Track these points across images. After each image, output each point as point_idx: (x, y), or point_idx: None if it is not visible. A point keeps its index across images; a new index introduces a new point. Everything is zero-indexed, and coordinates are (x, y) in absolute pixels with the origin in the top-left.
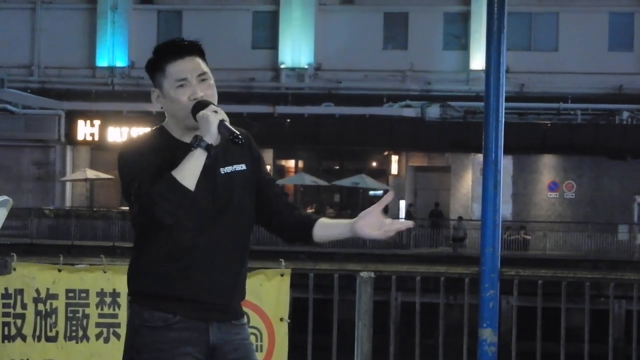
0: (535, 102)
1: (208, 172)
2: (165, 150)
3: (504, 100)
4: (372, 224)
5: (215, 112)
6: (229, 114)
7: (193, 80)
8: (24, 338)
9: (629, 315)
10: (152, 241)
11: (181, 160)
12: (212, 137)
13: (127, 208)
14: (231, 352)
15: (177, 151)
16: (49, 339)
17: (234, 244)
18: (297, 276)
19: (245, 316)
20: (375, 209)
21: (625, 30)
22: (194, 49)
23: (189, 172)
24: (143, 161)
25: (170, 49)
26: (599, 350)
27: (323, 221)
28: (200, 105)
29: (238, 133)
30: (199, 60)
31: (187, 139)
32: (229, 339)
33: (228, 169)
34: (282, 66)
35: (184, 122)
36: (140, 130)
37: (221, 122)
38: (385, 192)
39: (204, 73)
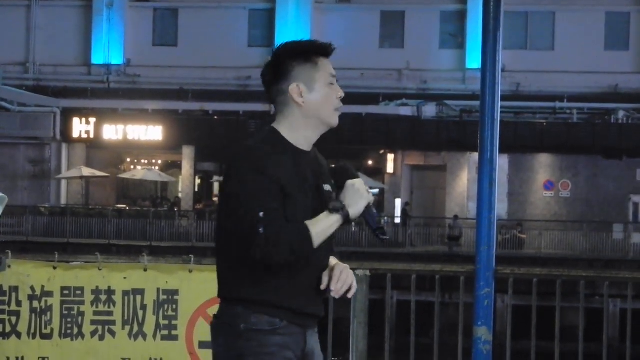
0: (531, 101)
1: (317, 188)
2: (282, 155)
3: (499, 99)
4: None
5: (368, 192)
6: (225, 112)
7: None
8: (18, 335)
9: (623, 314)
10: None
11: (293, 167)
12: (355, 213)
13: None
14: None
15: (291, 158)
16: (44, 336)
17: (327, 260)
18: None
19: None
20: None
21: (621, 29)
22: (332, 54)
23: (322, 234)
24: (265, 186)
25: (321, 47)
26: (594, 348)
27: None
28: (346, 170)
29: (383, 227)
30: None
31: (301, 144)
32: (316, 347)
33: (327, 187)
34: None
35: (320, 122)
36: (135, 129)
37: (369, 205)
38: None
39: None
